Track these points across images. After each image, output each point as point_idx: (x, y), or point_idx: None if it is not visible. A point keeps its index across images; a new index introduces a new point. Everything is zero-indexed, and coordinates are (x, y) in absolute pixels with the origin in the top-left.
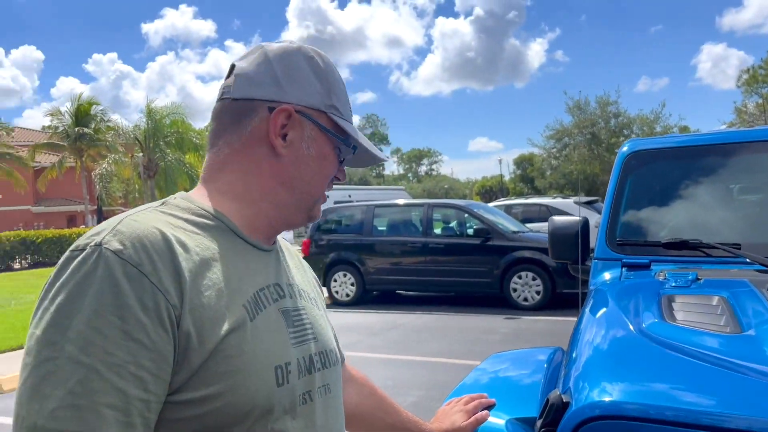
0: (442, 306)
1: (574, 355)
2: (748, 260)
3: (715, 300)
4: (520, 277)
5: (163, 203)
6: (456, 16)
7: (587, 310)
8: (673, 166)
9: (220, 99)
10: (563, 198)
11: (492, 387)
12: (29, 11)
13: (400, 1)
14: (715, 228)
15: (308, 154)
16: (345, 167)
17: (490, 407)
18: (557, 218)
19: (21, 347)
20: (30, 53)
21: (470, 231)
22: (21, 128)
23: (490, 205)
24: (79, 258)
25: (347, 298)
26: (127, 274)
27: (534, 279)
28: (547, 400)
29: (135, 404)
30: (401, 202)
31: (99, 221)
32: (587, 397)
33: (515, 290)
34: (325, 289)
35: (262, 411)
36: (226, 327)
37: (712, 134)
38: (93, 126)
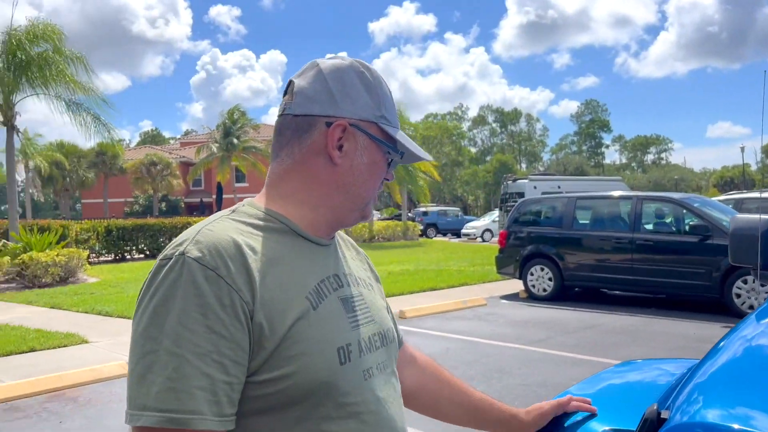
0: (650, 308)
1: (699, 368)
2: None
3: None
4: (745, 282)
5: (233, 211)
6: None
7: (744, 323)
8: None
9: (282, 114)
10: None
11: (604, 393)
12: (274, 19)
13: None
14: None
15: (361, 162)
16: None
17: (591, 416)
18: (741, 216)
19: None
20: (275, 57)
21: (687, 228)
22: (266, 125)
23: (719, 198)
24: (167, 266)
25: (544, 293)
26: (206, 277)
27: (763, 285)
28: (644, 414)
29: (220, 386)
30: (607, 194)
31: None
32: (685, 414)
33: (739, 296)
34: (519, 282)
35: (328, 387)
36: (292, 317)
37: None
38: None
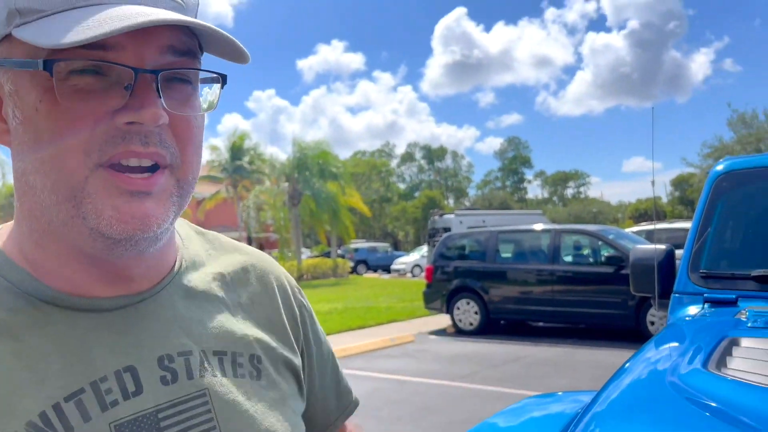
0: (572, 338)
1: (599, 396)
2: None
3: None
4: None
5: None
6: (608, 30)
7: (644, 349)
8: None
9: None
10: None
11: (520, 424)
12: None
13: (549, 20)
14: None
15: (20, 124)
16: (143, 97)
17: None
18: (640, 247)
19: None
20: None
21: (603, 259)
22: None
23: (632, 230)
24: None
25: (471, 327)
26: None
27: (657, 311)
28: None
29: None
30: (527, 227)
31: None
32: None
33: (653, 323)
34: (448, 317)
35: None
36: None
37: None
38: (247, 159)
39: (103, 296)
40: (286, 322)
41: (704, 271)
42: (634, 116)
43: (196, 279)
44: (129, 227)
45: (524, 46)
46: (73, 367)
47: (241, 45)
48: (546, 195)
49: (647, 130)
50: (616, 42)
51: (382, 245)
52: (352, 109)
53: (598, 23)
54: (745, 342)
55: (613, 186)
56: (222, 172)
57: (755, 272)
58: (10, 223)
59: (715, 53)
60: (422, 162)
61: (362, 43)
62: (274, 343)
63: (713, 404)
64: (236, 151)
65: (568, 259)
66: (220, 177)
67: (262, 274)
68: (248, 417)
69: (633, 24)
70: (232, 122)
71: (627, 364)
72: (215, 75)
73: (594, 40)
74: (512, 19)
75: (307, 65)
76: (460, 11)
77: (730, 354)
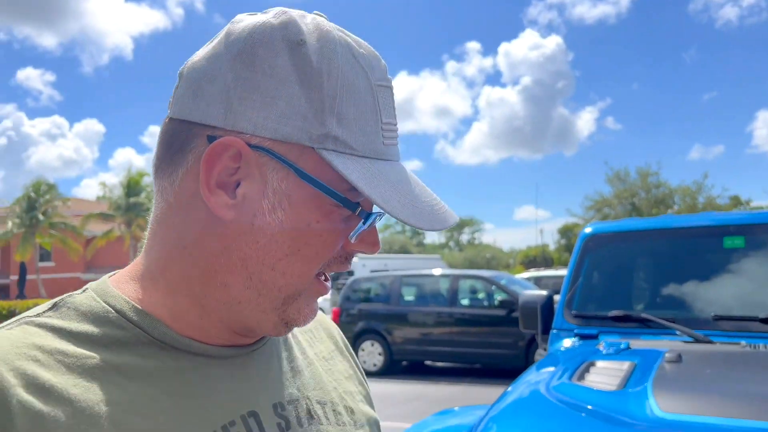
0: (469, 377)
1: (492, 407)
2: (677, 332)
3: (626, 365)
4: (545, 349)
5: (54, 305)
6: (503, 85)
7: (526, 372)
8: (627, 247)
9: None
10: None
11: None
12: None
13: (450, 72)
14: (660, 303)
15: (275, 219)
16: (376, 230)
17: None
18: (527, 292)
19: None
20: (92, 126)
21: (496, 302)
22: (77, 198)
23: (522, 276)
24: None
25: (375, 368)
26: None
27: (545, 349)
28: None
29: None
30: (429, 272)
31: None
32: None
33: None
34: None
35: None
36: None
37: (662, 219)
38: (143, 195)
39: (222, 345)
40: (357, 372)
41: (575, 312)
42: (526, 167)
43: (290, 335)
44: (307, 321)
45: (425, 95)
46: (207, 412)
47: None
48: (443, 240)
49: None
50: (510, 96)
51: None
52: None
53: (494, 78)
54: (600, 363)
55: (506, 232)
56: (116, 210)
57: (611, 313)
58: (144, 270)
59: (599, 111)
60: None
61: None
62: (358, 395)
63: (574, 402)
64: (132, 188)
65: (465, 302)
66: (113, 215)
67: (326, 328)
68: None
69: (526, 80)
70: (124, 156)
71: (516, 382)
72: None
73: (490, 93)
74: (415, 70)
75: None
76: None
77: (588, 371)
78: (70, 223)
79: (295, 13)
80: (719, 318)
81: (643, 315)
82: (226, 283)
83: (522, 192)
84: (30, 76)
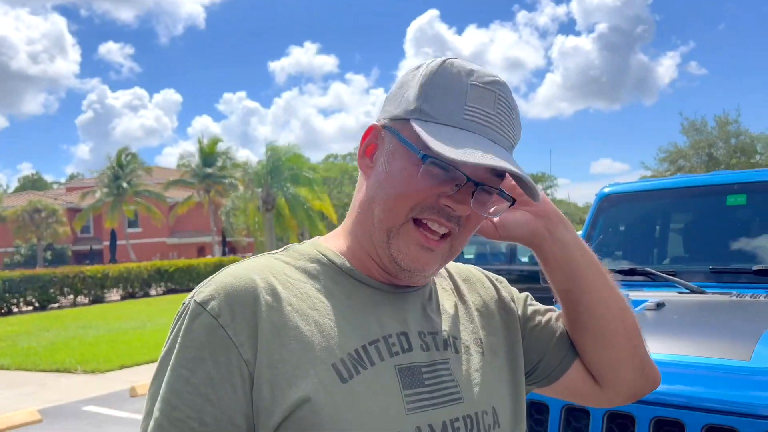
0: None
1: None
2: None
3: None
4: None
5: (286, 249)
6: (577, 34)
7: None
8: (639, 206)
9: None
10: None
11: None
12: (170, 57)
13: (521, 23)
14: (665, 257)
15: (383, 171)
16: (463, 195)
17: None
18: None
19: (153, 361)
20: (170, 96)
21: None
22: (159, 167)
23: None
24: (180, 311)
25: None
26: (205, 324)
27: None
28: None
29: None
30: None
31: (224, 251)
32: None
33: None
34: None
35: None
36: (304, 388)
37: (672, 179)
38: (219, 164)
39: (387, 282)
40: (497, 314)
41: None
42: (603, 119)
43: (435, 293)
44: (412, 266)
45: (496, 48)
46: (373, 325)
47: (536, 189)
48: None
49: (615, 131)
50: (585, 45)
51: None
52: (325, 111)
53: (568, 26)
54: None
55: (582, 187)
56: (193, 177)
57: (618, 267)
58: (340, 228)
59: (681, 56)
60: None
61: (335, 45)
62: (490, 332)
63: None
64: (207, 156)
65: (524, 259)
66: (191, 182)
67: (476, 281)
68: (478, 384)
69: (602, 28)
70: (201, 124)
71: None
72: (508, 196)
73: (563, 43)
74: (484, 22)
75: (279, 67)
76: (433, 14)
77: None
78: (154, 191)
79: (450, 56)
80: (716, 271)
81: (646, 269)
82: (362, 222)
83: (599, 145)
84: (111, 49)
